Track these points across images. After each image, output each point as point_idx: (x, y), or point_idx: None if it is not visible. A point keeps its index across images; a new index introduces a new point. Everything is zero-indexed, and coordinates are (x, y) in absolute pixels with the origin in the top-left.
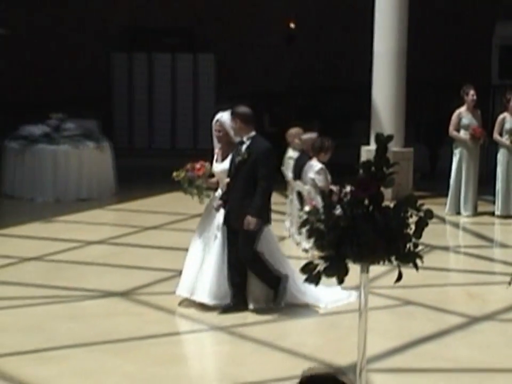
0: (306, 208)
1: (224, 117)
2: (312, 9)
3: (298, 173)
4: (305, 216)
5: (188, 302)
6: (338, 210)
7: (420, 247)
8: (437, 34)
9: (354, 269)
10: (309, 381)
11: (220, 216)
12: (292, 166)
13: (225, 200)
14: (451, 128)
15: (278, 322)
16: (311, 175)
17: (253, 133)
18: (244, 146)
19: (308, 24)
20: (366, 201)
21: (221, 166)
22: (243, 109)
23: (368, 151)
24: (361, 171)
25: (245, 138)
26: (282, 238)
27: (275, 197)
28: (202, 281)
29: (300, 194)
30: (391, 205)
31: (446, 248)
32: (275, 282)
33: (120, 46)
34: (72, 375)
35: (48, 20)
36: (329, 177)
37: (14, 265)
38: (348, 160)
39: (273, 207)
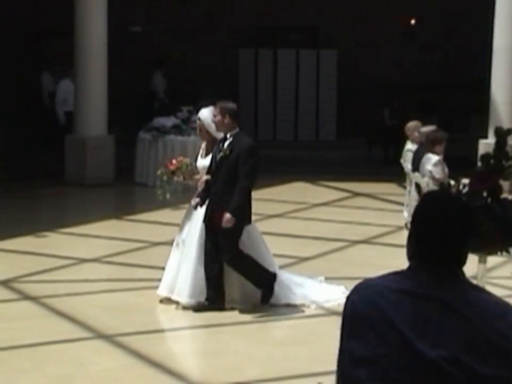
0: None
1: (204, 114)
2: (432, 6)
3: (417, 165)
4: None
5: None
6: None
7: None
8: None
9: (471, 259)
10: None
11: (199, 213)
12: (411, 158)
13: (203, 197)
14: None
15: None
16: (429, 167)
17: (237, 130)
18: (227, 143)
19: (427, 20)
20: (485, 194)
21: (203, 162)
22: (231, 104)
23: (485, 145)
24: (479, 164)
25: (228, 135)
26: (400, 228)
27: (393, 188)
28: (181, 281)
29: (418, 186)
30: (510, 197)
31: None
32: (262, 281)
33: (247, 43)
34: (192, 353)
35: (176, 18)
36: (446, 169)
37: (145, 249)
38: (465, 153)
39: (392, 198)
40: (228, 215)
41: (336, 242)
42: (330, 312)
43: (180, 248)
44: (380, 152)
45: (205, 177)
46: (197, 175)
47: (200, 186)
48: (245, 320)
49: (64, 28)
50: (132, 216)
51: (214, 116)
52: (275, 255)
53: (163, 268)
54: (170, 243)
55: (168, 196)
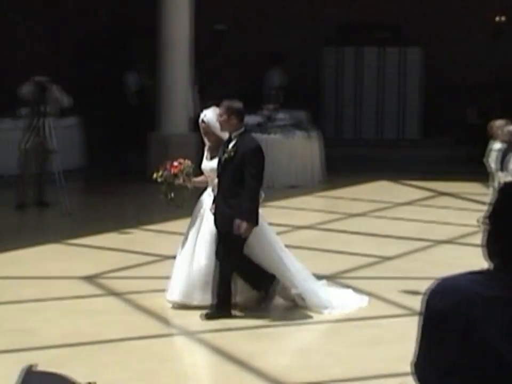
0: None
1: (208, 115)
2: None
3: (503, 164)
4: None
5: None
6: None
7: None
8: None
9: None
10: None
11: (209, 218)
12: (495, 158)
13: (215, 201)
14: None
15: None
16: None
17: (242, 129)
18: (231, 144)
19: None
20: None
21: (209, 164)
22: (238, 104)
23: None
24: None
25: (233, 135)
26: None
27: (478, 188)
28: (175, 279)
29: None
30: None
31: None
32: (260, 283)
33: (331, 41)
34: (281, 352)
35: (259, 17)
36: None
37: None
38: None
39: (476, 197)
40: (238, 221)
41: (420, 242)
42: (414, 312)
43: (188, 251)
44: (465, 151)
45: (203, 177)
46: (197, 177)
47: (213, 189)
48: (329, 319)
49: (149, 27)
50: None
51: (220, 116)
52: (358, 255)
53: None
54: None
55: (173, 197)
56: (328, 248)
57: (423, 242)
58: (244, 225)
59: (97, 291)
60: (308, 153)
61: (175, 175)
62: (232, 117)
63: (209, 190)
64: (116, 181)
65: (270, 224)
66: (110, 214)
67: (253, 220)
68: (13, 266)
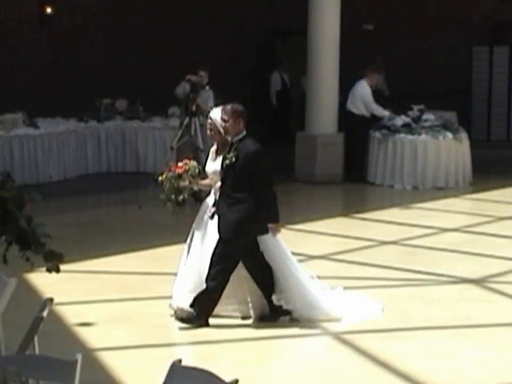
0: None
1: (215, 113)
2: None
3: None
4: None
5: None
6: None
7: None
8: None
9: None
10: None
11: (212, 223)
12: None
13: (215, 205)
14: None
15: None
16: None
17: (243, 133)
18: (232, 149)
19: None
20: None
21: (213, 166)
22: (241, 107)
23: None
24: None
25: (234, 140)
26: None
27: None
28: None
29: None
30: None
31: None
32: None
33: (481, 40)
34: (422, 354)
35: (408, 17)
36: None
37: (373, 248)
38: None
39: None
40: (273, 225)
41: None
42: None
43: (194, 257)
44: None
45: (219, 184)
46: (205, 179)
47: (217, 193)
48: (475, 323)
49: (297, 26)
50: (360, 214)
51: (225, 121)
52: (507, 259)
53: (391, 267)
54: (398, 243)
55: (176, 200)
56: (476, 252)
57: None
58: (277, 226)
59: None
60: (456, 155)
61: (179, 176)
62: (238, 121)
63: (212, 194)
64: None
65: (414, 225)
66: None
67: (277, 219)
68: (156, 262)
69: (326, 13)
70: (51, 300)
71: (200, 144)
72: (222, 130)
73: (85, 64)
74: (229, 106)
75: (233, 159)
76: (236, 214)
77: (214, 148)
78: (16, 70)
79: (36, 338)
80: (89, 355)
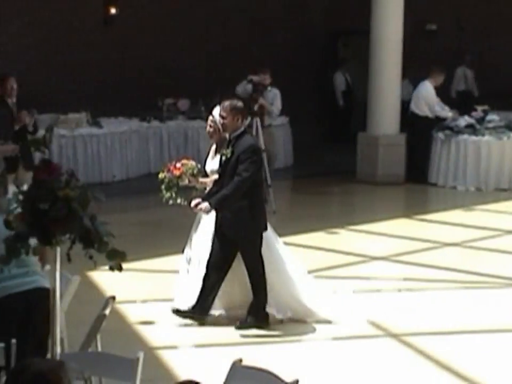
0: None
1: (215, 112)
2: None
3: None
4: None
5: None
6: None
7: None
8: None
9: None
10: None
11: (205, 224)
12: None
13: (204, 199)
14: None
15: None
16: None
17: (241, 130)
18: (229, 145)
19: None
20: None
21: (212, 165)
22: (240, 103)
23: None
24: None
25: (232, 136)
26: None
27: None
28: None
29: None
30: None
31: None
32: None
33: None
34: (487, 358)
35: (473, 18)
36: None
37: (435, 250)
38: None
39: None
40: (205, 204)
41: None
42: None
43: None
44: None
45: (214, 177)
46: (206, 178)
47: (208, 187)
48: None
49: (360, 27)
50: (422, 216)
51: (223, 118)
52: None
53: (454, 270)
54: (461, 245)
55: (178, 200)
56: None
57: None
58: (206, 207)
59: None
60: None
61: (179, 177)
62: (237, 118)
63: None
64: (321, 180)
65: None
66: (318, 213)
67: (218, 207)
68: None
69: (389, 13)
70: (113, 298)
71: (262, 145)
72: (220, 127)
73: (148, 64)
74: (227, 103)
75: (229, 155)
76: (238, 214)
77: (213, 147)
78: (81, 69)
79: (98, 336)
80: (150, 353)
